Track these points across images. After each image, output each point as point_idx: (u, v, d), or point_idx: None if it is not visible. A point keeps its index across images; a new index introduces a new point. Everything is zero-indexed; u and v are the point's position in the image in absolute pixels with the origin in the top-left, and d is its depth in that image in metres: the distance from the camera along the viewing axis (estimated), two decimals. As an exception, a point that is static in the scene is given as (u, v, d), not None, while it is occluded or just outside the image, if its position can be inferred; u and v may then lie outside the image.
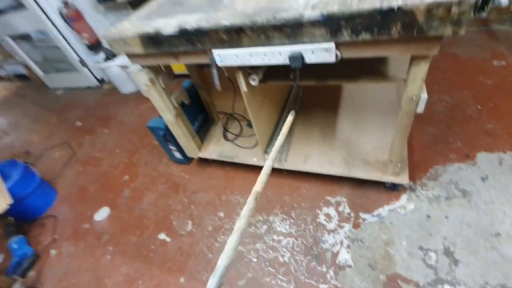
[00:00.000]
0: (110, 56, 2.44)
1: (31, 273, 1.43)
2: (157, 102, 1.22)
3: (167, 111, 1.26)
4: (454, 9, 0.58)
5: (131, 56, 1.07)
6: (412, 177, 1.24)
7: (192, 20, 0.87)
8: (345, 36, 0.70)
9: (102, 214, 1.61)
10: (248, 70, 1.00)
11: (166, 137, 1.50)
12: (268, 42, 0.79)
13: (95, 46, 2.53)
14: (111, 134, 2.21)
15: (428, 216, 1.12)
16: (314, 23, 0.70)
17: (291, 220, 1.27)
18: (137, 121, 2.24)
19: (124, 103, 2.53)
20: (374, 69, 0.94)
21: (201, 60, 0.97)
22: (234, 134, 1.58)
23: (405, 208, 1.16)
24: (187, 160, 1.65)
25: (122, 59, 2.36)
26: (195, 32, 0.85)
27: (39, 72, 3.00)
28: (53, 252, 1.50)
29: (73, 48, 2.58)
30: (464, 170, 1.23)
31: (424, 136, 1.41)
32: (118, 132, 2.19)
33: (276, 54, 0.81)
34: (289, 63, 0.81)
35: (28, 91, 3.38)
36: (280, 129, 1.40)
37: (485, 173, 1.19)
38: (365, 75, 0.93)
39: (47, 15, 2.34)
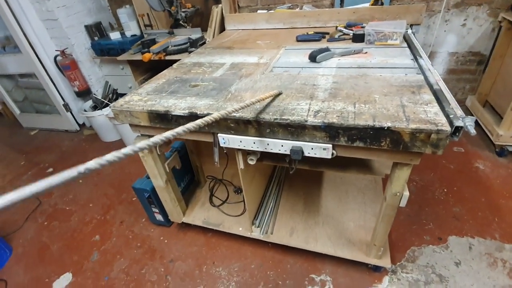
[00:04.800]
0: (99, 105, 2.44)
1: None
2: (151, 168, 1.22)
3: (158, 177, 1.25)
4: (433, 136, 0.70)
5: (134, 126, 1.10)
6: (392, 258, 1.29)
7: (202, 106, 0.95)
8: (342, 141, 0.80)
9: (62, 281, 1.44)
10: (247, 150, 1.06)
11: (151, 199, 1.46)
12: (272, 135, 0.87)
13: (84, 93, 2.54)
14: (86, 185, 2.09)
15: (410, 302, 1.14)
16: (315, 127, 0.80)
17: (276, 300, 1.22)
18: (116, 173, 2.16)
19: (105, 152, 2.39)
20: (360, 161, 1.05)
21: (205, 138, 1.02)
22: (221, 200, 1.58)
23: (388, 292, 1.18)
24: (167, 222, 1.59)
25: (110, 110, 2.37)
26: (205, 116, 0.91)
27: (15, 110, 2.89)
28: (-6, 328, 1.28)
29: (60, 93, 2.56)
30: (438, 253, 1.31)
31: (400, 215, 1.51)
32: (94, 184, 2.09)
33: (278, 145, 0.89)
34: (289, 154, 0.89)
35: (-3, 127, 3.19)
36: (268, 200, 1.44)
37: (458, 258, 1.27)
38: (353, 166, 1.04)
39: (40, 61, 2.36)
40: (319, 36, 1.53)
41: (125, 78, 2.51)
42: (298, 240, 1.30)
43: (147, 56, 1.82)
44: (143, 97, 1.07)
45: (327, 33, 1.59)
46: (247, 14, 1.94)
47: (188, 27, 2.15)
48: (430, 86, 0.91)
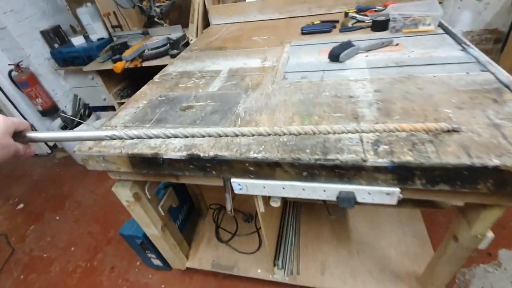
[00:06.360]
0: (69, 124, 2.10)
1: None
2: (141, 217, 0.95)
3: (152, 225, 0.98)
4: None
5: (112, 172, 0.82)
6: (442, 287, 1.09)
7: (205, 142, 0.68)
8: (417, 184, 0.56)
9: None
10: (269, 191, 0.81)
11: (144, 245, 1.19)
12: (311, 179, 0.62)
13: (50, 111, 2.18)
14: (65, 222, 1.78)
15: None
16: (378, 169, 0.55)
17: None
18: (100, 203, 1.86)
19: (83, 177, 2.14)
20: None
21: (211, 183, 0.76)
22: (229, 233, 1.33)
23: (448, 335, 0.98)
24: (168, 266, 1.33)
25: (99, 121, 2.04)
26: (211, 160, 0.65)
27: (-28, 137, 2.48)
28: None
29: (22, 114, 2.19)
30: (492, 273, 1.13)
31: (438, 228, 1.31)
32: (75, 220, 1.78)
33: (318, 190, 0.64)
34: (335, 201, 0.64)
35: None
36: (286, 231, 1.19)
37: (517, 279, 1.09)
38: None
39: (-7, 79, 1.98)
40: (329, 26, 1.27)
41: (97, 89, 2.16)
42: (333, 279, 1.07)
43: (119, 66, 1.50)
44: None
45: (337, 21, 1.33)
46: (235, 5, 1.64)
47: (165, 24, 1.83)
48: (505, 89, 0.68)
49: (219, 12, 1.67)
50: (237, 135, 0.60)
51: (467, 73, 0.77)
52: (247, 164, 0.63)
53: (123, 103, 1.98)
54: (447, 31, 1.04)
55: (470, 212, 0.68)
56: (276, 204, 0.80)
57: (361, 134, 0.61)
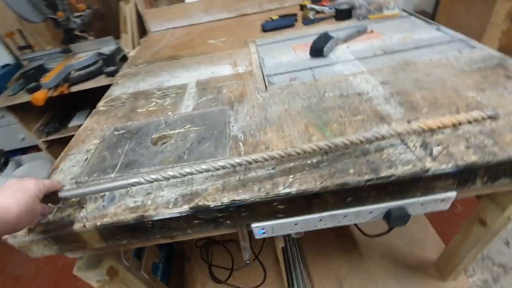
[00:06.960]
0: (-19, 176, 1.61)
1: None
2: (122, 293, 0.71)
3: (138, 298, 0.75)
4: None
5: (71, 252, 0.57)
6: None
7: (210, 186, 0.50)
8: (477, 184, 0.48)
9: None
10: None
11: (127, 317, 0.92)
12: (357, 203, 0.50)
13: None
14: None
15: (497, 314, 0.97)
16: (439, 176, 0.46)
17: None
18: (45, 272, 1.45)
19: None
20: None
21: (221, 232, 0.58)
22: (226, 268, 1.14)
23: (471, 312, 0.99)
24: (159, 328, 1.08)
25: (20, 168, 1.59)
26: (226, 209, 0.48)
27: None
28: None
29: None
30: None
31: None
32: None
33: (363, 214, 0.52)
34: (385, 220, 0.54)
35: None
36: (291, 246, 1.07)
37: (505, 237, 1.17)
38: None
39: None
40: (291, 20, 1.17)
41: (11, 129, 1.70)
42: (353, 291, 0.99)
43: (40, 97, 1.16)
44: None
45: (295, 15, 1.24)
46: (175, 7, 1.43)
47: (90, 38, 1.51)
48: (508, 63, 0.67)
49: (157, 17, 1.44)
50: (250, 163, 0.46)
51: (460, 52, 0.74)
52: (275, 203, 0.48)
53: (50, 141, 1.59)
54: (411, 14, 1.04)
55: (501, 196, 0.64)
56: (299, 235, 0.66)
57: (402, 138, 0.51)
